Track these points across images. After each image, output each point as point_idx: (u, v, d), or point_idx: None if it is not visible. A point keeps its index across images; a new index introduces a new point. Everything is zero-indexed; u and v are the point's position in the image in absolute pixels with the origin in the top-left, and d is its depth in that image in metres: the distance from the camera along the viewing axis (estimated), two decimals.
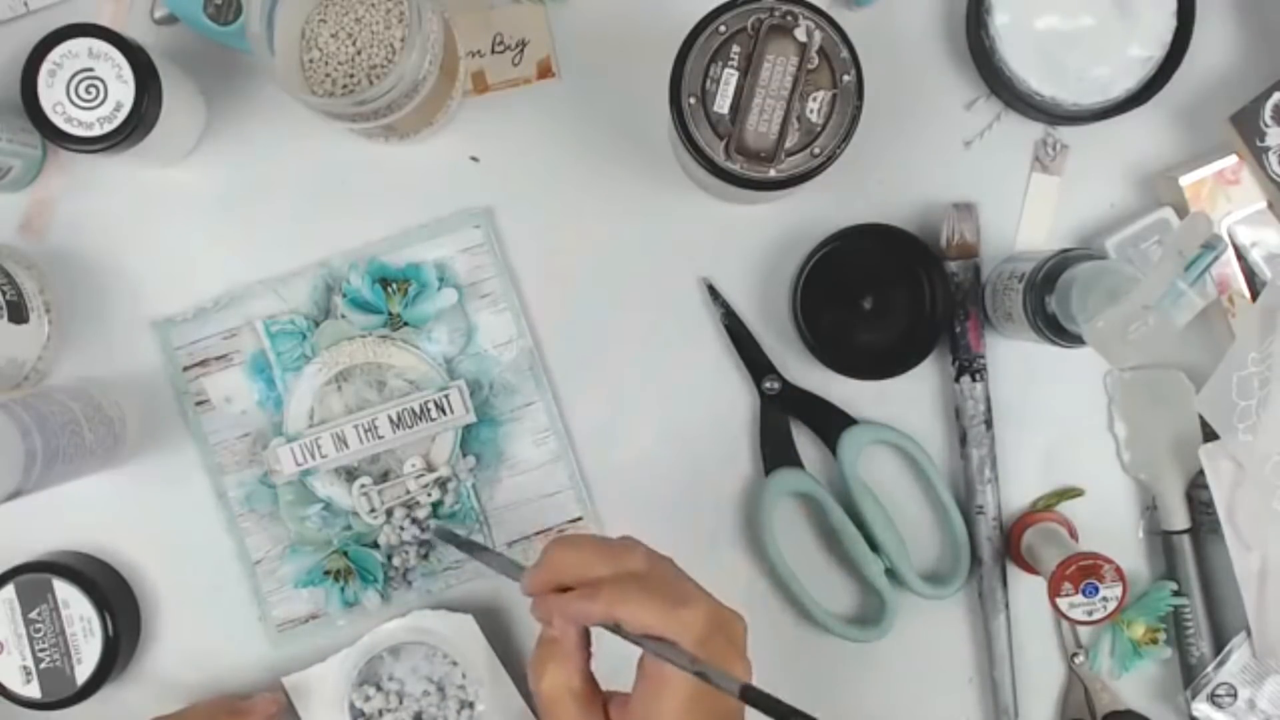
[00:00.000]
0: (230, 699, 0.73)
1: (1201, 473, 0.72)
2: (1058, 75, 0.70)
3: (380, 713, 0.73)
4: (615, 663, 0.56)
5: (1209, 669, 0.73)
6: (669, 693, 0.53)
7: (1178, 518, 0.74)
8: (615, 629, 0.53)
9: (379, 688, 0.73)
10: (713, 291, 0.74)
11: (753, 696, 0.49)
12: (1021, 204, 0.75)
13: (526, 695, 0.73)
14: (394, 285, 0.73)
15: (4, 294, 0.69)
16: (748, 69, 0.62)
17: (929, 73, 0.75)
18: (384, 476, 0.73)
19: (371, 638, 0.73)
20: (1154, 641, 0.74)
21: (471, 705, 0.73)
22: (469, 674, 0.73)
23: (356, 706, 0.73)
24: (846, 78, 0.62)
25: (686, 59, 0.62)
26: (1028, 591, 0.75)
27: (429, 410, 0.72)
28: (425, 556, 0.74)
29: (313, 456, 0.72)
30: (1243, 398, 0.70)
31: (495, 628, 0.74)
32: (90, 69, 0.66)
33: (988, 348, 0.74)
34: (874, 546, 0.73)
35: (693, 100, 0.62)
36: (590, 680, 0.56)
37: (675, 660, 0.51)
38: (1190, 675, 0.74)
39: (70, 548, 0.74)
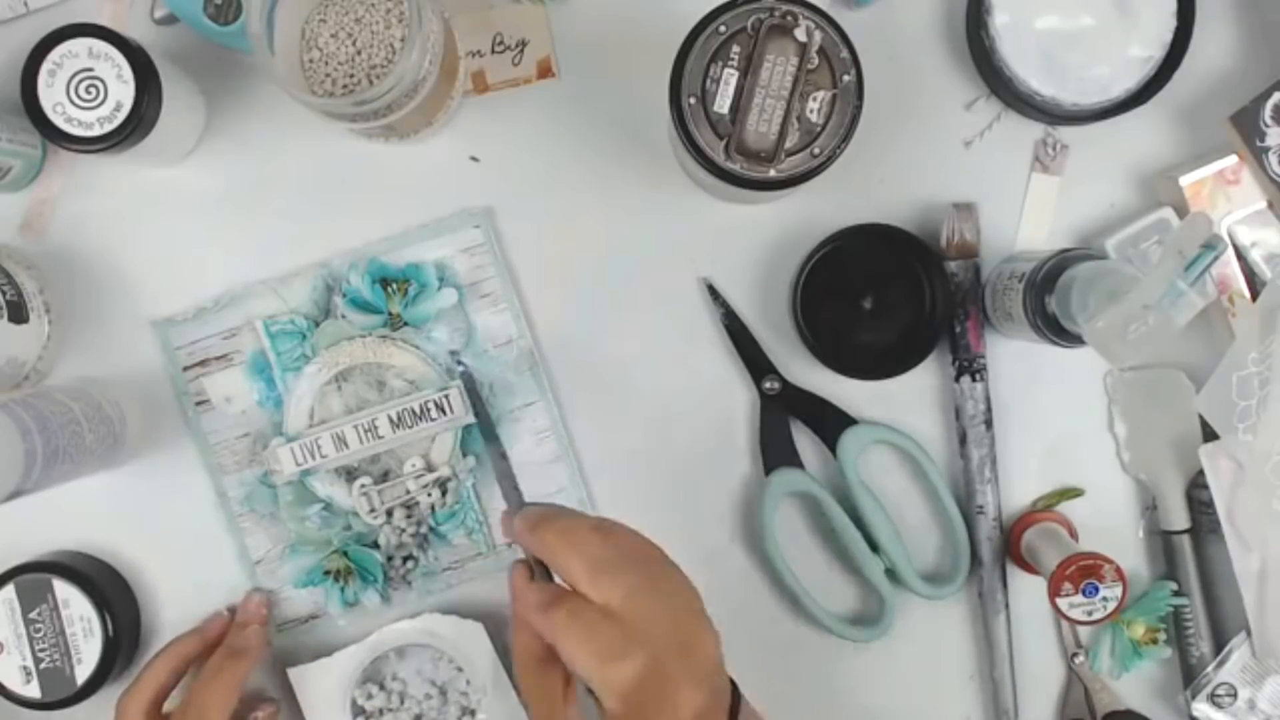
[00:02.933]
0: (208, 639, 0.72)
1: (1201, 473, 0.72)
2: (1058, 75, 0.70)
3: (381, 711, 0.73)
4: None
5: (1209, 669, 0.73)
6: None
7: (1178, 518, 0.74)
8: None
9: (382, 686, 0.73)
10: (713, 291, 0.74)
11: None
12: (1021, 204, 0.75)
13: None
14: (394, 285, 0.73)
15: (4, 294, 0.69)
16: (748, 69, 0.62)
17: (929, 73, 0.75)
18: (384, 476, 0.73)
19: (379, 636, 0.73)
20: (1154, 641, 0.74)
21: (473, 713, 0.73)
22: (473, 681, 0.73)
23: (358, 704, 0.73)
24: (846, 78, 0.62)
25: (686, 59, 0.62)
26: (1028, 591, 0.75)
27: (429, 410, 0.72)
28: (421, 554, 0.74)
29: (313, 456, 0.72)
30: (1243, 398, 0.70)
31: (505, 638, 0.74)
32: (90, 69, 0.66)
33: (988, 348, 0.74)
34: (874, 546, 0.73)
35: (693, 100, 0.62)
36: (545, 651, 0.55)
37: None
38: (1190, 675, 0.74)
39: (70, 548, 0.74)
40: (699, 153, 0.63)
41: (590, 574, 0.53)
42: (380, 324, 0.73)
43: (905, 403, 0.75)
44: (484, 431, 0.68)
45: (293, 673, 0.73)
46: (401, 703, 0.73)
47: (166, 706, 0.70)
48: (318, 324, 0.73)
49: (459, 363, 0.72)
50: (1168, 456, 0.74)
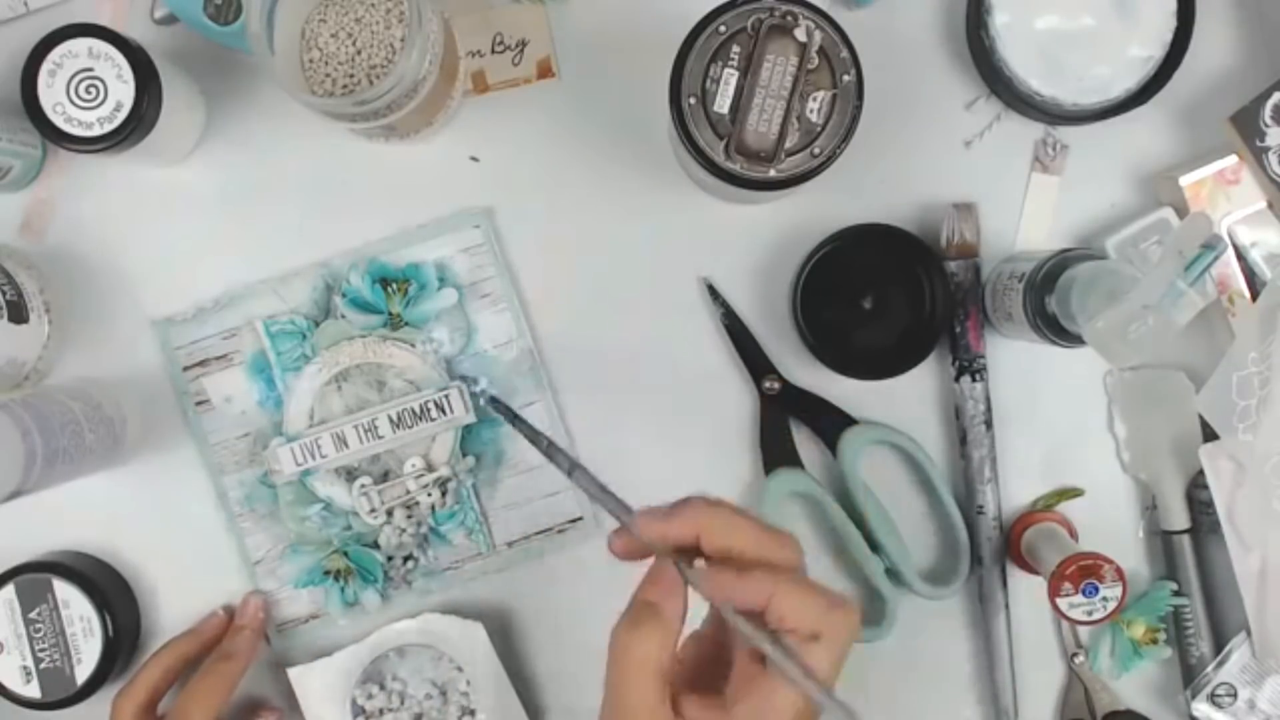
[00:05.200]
0: (204, 639, 0.72)
1: (1201, 473, 0.72)
2: (1058, 75, 0.70)
3: (381, 711, 0.73)
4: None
5: (1209, 669, 0.73)
6: (780, 706, 0.47)
7: (1178, 518, 0.74)
8: (742, 617, 0.48)
9: (382, 686, 0.73)
10: (713, 291, 0.74)
11: None
12: (1021, 204, 0.75)
13: (529, 709, 0.73)
14: (394, 285, 0.73)
15: (4, 294, 0.69)
16: (748, 69, 0.62)
17: (929, 73, 0.75)
18: (384, 476, 0.73)
19: (380, 636, 0.73)
20: (1154, 641, 0.74)
21: (473, 713, 0.73)
22: (473, 681, 0.73)
23: (358, 703, 0.73)
24: (846, 78, 0.62)
25: (686, 59, 0.62)
26: (1028, 591, 0.75)
27: (429, 410, 0.72)
28: (421, 554, 0.74)
29: (313, 456, 0.72)
30: (1243, 398, 0.70)
31: (505, 638, 0.74)
32: (90, 69, 0.66)
33: (988, 348, 0.74)
34: (874, 546, 0.73)
35: (693, 100, 0.62)
36: (672, 665, 0.49)
37: (806, 684, 0.47)
38: (1190, 675, 0.74)
39: (70, 548, 0.74)
40: (699, 153, 0.63)
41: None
42: (380, 324, 0.73)
43: (905, 403, 0.75)
44: (548, 451, 0.58)
45: (293, 673, 0.73)
46: (401, 703, 0.73)
47: (162, 707, 0.70)
48: (318, 324, 0.73)
49: (466, 380, 0.71)
50: (1168, 456, 0.74)
